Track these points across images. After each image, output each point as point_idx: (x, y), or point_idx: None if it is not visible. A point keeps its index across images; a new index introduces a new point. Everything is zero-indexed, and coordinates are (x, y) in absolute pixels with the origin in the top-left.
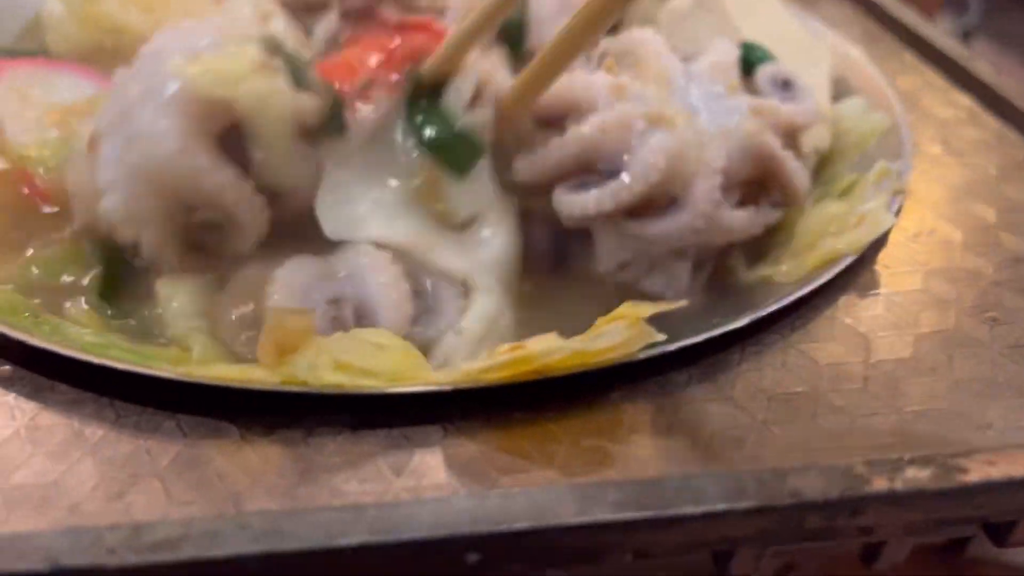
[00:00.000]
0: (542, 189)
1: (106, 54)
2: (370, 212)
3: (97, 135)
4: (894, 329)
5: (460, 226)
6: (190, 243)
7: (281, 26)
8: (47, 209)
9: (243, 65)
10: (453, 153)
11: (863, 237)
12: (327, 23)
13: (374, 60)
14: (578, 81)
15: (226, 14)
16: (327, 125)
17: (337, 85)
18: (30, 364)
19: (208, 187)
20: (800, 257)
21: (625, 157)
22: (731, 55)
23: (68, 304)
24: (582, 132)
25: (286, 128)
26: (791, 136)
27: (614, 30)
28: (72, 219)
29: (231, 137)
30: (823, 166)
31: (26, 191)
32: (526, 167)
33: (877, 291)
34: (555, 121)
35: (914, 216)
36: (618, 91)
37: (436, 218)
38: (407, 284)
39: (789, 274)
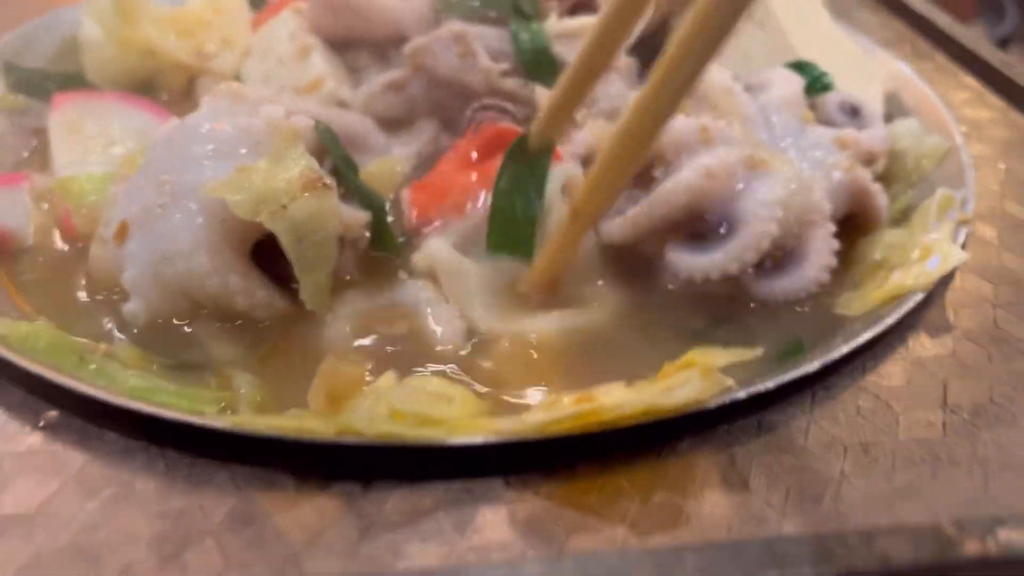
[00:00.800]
0: (640, 245)
1: (144, 77)
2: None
3: (127, 225)
4: (969, 373)
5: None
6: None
7: (320, 61)
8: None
9: (292, 183)
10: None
11: (932, 273)
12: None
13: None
14: None
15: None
16: (375, 239)
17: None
18: (78, 410)
19: (237, 306)
20: (862, 288)
21: (732, 206)
22: (797, 85)
23: (113, 340)
24: (690, 181)
25: (330, 251)
26: (868, 165)
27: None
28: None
29: (267, 240)
30: None
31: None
32: (625, 226)
33: (948, 331)
34: (639, 175)
35: (979, 249)
36: (704, 134)
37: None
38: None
39: (852, 306)
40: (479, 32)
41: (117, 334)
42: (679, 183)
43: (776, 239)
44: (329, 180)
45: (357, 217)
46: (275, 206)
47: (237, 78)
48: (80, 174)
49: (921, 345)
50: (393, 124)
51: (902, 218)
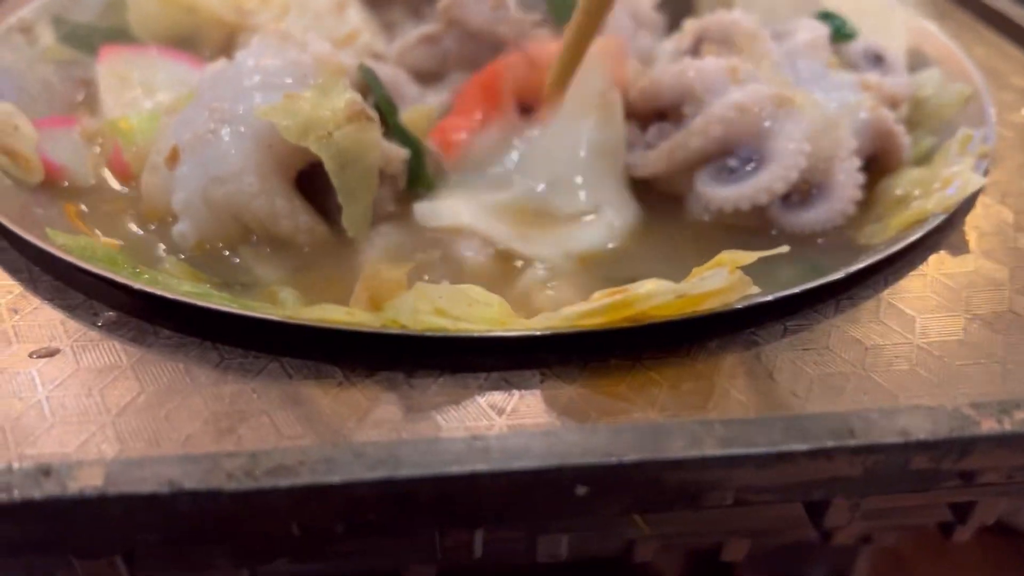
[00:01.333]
0: (670, 177)
1: (186, 33)
2: (464, 207)
3: (177, 150)
4: (990, 286)
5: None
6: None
7: (355, 15)
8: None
9: (337, 112)
10: None
11: (953, 197)
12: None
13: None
14: (689, 68)
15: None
16: (412, 178)
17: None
18: (133, 311)
19: (281, 229)
20: (884, 220)
21: (761, 141)
22: (822, 31)
23: (164, 258)
24: (723, 114)
25: (372, 181)
26: (891, 109)
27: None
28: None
29: (311, 171)
30: None
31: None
32: (659, 158)
33: (968, 250)
34: (669, 111)
35: (1000, 179)
36: (733, 74)
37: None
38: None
39: (875, 236)
40: None
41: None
42: (712, 115)
43: (804, 172)
44: (372, 113)
45: (397, 152)
46: (322, 132)
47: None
48: (129, 114)
49: (942, 262)
50: (427, 77)
51: (924, 160)
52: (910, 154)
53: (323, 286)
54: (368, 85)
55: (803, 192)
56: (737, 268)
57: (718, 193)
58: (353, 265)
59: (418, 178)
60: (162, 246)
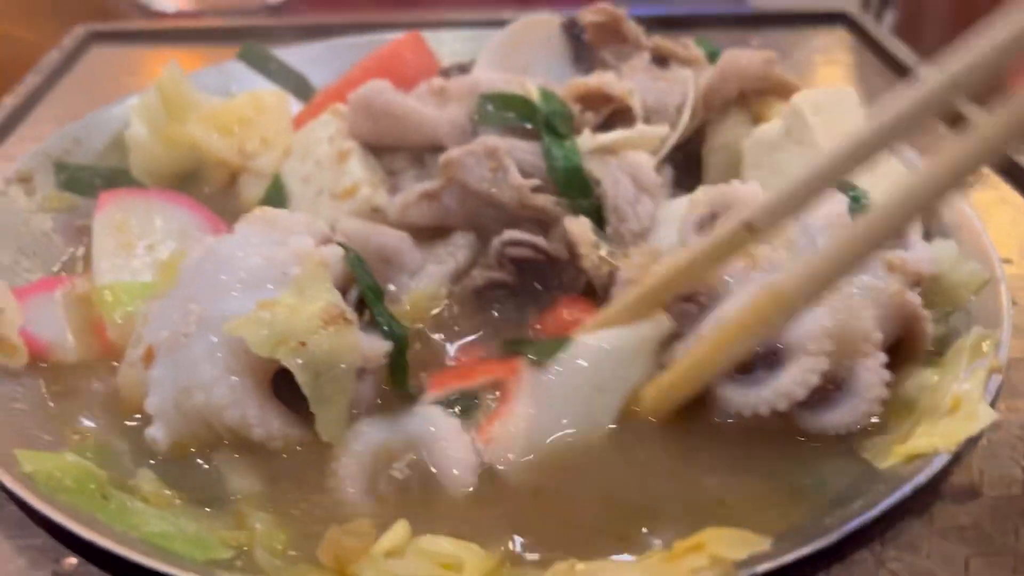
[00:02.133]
0: None
1: (188, 172)
2: None
3: (152, 351)
4: (993, 549)
5: None
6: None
7: (357, 167)
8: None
9: (312, 318)
10: None
11: (958, 432)
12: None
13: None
14: None
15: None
16: (392, 371)
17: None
18: (95, 558)
19: (253, 436)
20: (890, 434)
21: (781, 335)
22: (840, 205)
23: (137, 474)
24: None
25: (348, 384)
26: (915, 287)
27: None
28: None
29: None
30: None
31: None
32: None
33: (973, 497)
34: (689, 296)
35: (1010, 401)
36: (751, 260)
37: None
38: (470, 442)
39: (877, 454)
40: (512, 146)
41: (140, 463)
42: (728, 315)
43: (825, 372)
44: (351, 314)
45: (376, 348)
46: (294, 343)
47: (277, 177)
48: (116, 282)
49: (944, 514)
50: (429, 232)
51: (936, 350)
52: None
53: (299, 500)
54: (353, 273)
55: (825, 391)
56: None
57: (736, 397)
58: (331, 468)
59: (395, 376)
60: (134, 447)
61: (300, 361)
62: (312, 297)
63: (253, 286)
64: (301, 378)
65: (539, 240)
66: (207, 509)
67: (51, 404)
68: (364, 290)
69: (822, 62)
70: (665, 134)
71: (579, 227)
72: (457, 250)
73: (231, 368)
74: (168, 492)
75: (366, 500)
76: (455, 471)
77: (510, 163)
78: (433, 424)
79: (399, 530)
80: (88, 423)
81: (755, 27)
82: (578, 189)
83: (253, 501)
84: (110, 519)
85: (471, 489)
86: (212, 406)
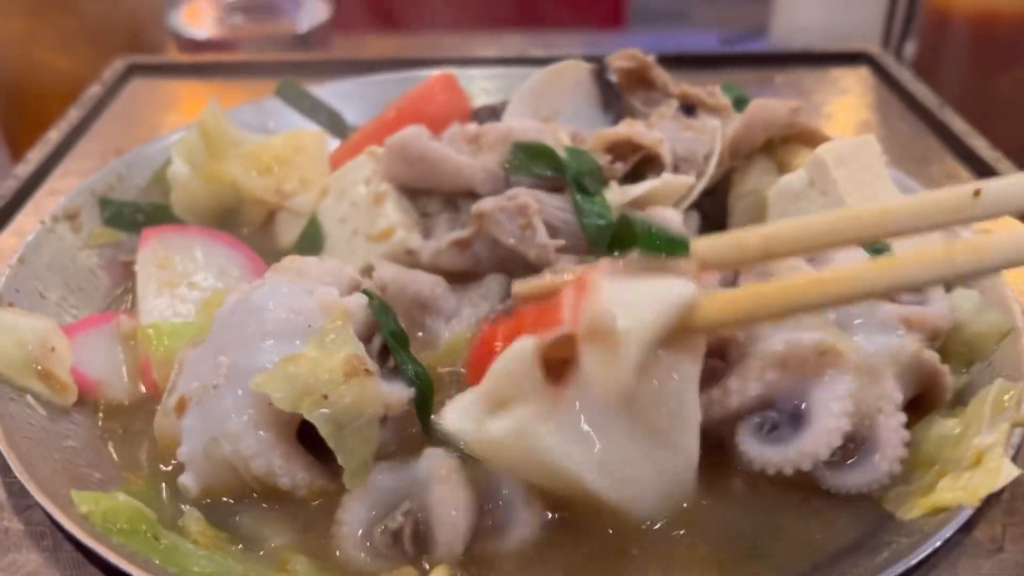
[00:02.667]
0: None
1: (227, 210)
2: None
3: (185, 400)
4: None
5: None
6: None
7: (392, 210)
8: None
9: (334, 371)
10: None
11: (981, 487)
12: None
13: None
14: None
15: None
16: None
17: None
18: None
19: (280, 485)
20: (912, 485)
21: (804, 395)
22: (859, 254)
23: (184, 513)
24: (762, 372)
25: (373, 434)
26: (933, 341)
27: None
28: None
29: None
30: None
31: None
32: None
33: (995, 554)
34: (713, 351)
35: None
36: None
37: None
38: (469, 495)
39: (900, 506)
40: (544, 201)
41: (185, 507)
42: (751, 373)
43: (847, 433)
44: (372, 365)
45: (399, 395)
46: (316, 396)
47: (314, 217)
48: (160, 321)
49: (968, 569)
50: (463, 276)
51: (957, 400)
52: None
53: (332, 547)
54: (377, 321)
55: (846, 450)
56: None
57: (760, 455)
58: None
59: (423, 417)
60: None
61: (323, 414)
62: (334, 349)
63: (279, 338)
64: (324, 431)
65: None
66: (250, 551)
67: (101, 442)
68: (387, 336)
69: (845, 102)
70: (691, 183)
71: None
72: (490, 292)
73: (258, 420)
74: (215, 533)
75: (362, 552)
76: (445, 534)
77: (539, 222)
78: (434, 477)
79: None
80: (136, 462)
81: (780, 65)
82: (611, 247)
83: (292, 546)
84: (164, 560)
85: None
86: (240, 457)
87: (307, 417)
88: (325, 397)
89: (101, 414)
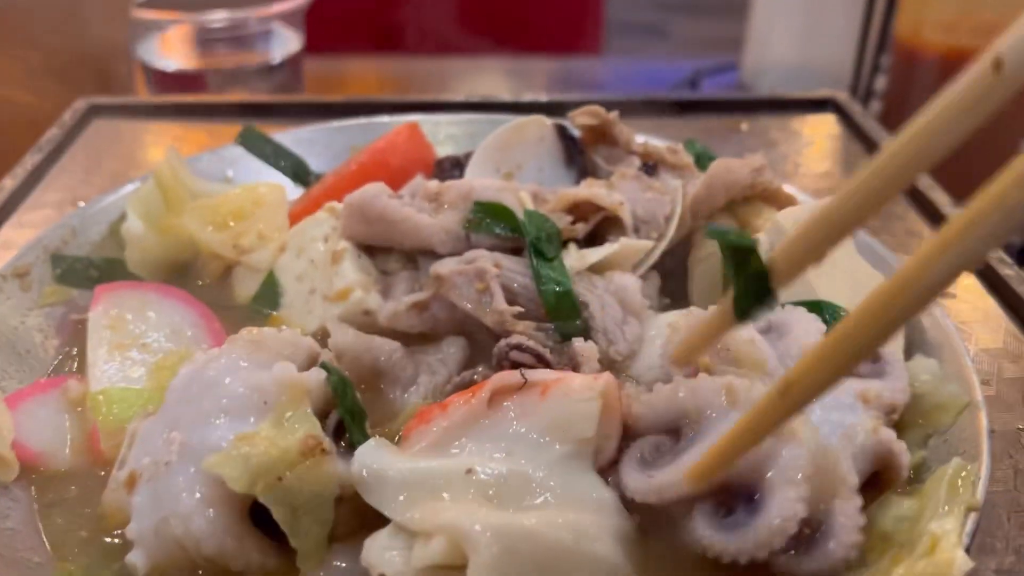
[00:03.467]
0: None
1: (183, 264)
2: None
3: (135, 477)
4: None
5: None
6: None
7: (350, 270)
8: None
9: (289, 451)
10: None
11: None
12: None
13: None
14: (681, 387)
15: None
16: None
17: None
18: None
19: (232, 567)
20: (867, 570)
21: (759, 475)
22: (816, 331)
23: None
24: None
25: (327, 514)
26: (889, 415)
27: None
28: None
29: None
30: None
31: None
32: (649, 492)
33: None
34: (668, 430)
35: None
36: (731, 396)
37: None
38: None
39: None
40: (503, 265)
41: None
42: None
43: (802, 520)
44: (328, 444)
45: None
46: (271, 478)
47: (271, 274)
48: (110, 388)
49: None
50: (421, 337)
51: (915, 477)
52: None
53: None
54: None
55: (800, 534)
56: None
57: (715, 542)
58: None
59: None
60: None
61: (277, 496)
62: (291, 428)
63: (235, 416)
64: (278, 514)
65: (544, 352)
66: None
67: (40, 520)
68: (344, 412)
69: (810, 152)
70: (650, 247)
71: (588, 350)
72: (448, 357)
73: (210, 499)
74: None
75: None
76: None
77: (496, 287)
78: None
79: None
80: (76, 538)
81: (747, 112)
82: (567, 313)
83: None
84: None
85: None
86: (191, 538)
87: (261, 500)
88: (280, 479)
89: (42, 487)
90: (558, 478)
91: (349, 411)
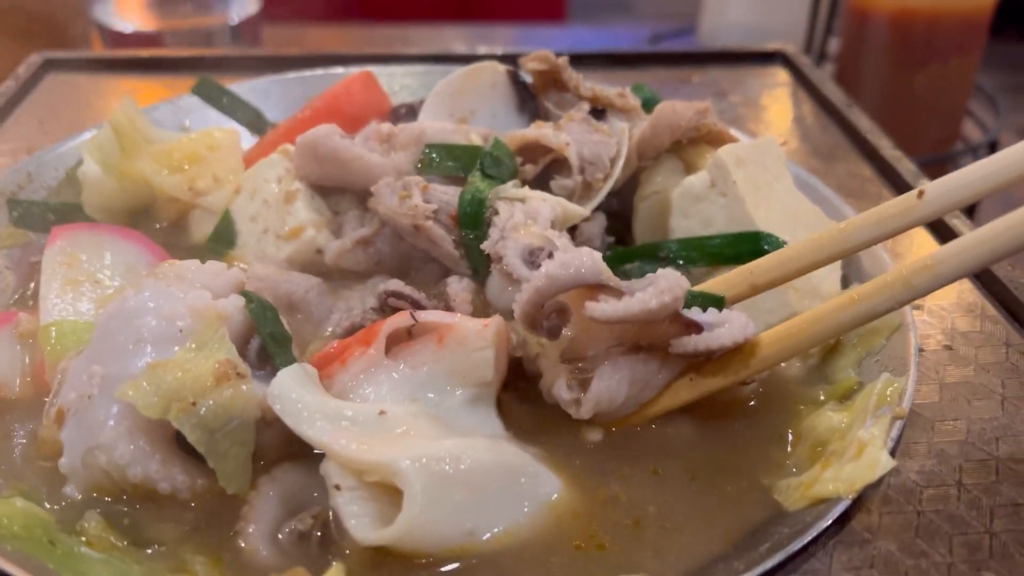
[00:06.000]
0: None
1: (140, 207)
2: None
3: (62, 412)
4: None
5: None
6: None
7: (302, 209)
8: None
9: (202, 378)
10: None
11: (860, 479)
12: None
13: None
14: None
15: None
16: None
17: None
18: None
19: (160, 490)
20: (799, 477)
21: None
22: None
23: (85, 515)
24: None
25: (248, 436)
26: None
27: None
28: None
29: None
30: (827, 357)
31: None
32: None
33: (873, 542)
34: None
35: (915, 445)
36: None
37: None
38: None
39: (787, 497)
40: (433, 185)
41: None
42: None
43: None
44: (243, 368)
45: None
46: (184, 403)
47: (226, 214)
48: (61, 320)
49: (844, 557)
50: (363, 276)
51: (847, 396)
52: None
53: (222, 547)
54: (255, 322)
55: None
56: None
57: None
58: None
59: None
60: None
61: (190, 420)
62: (207, 354)
63: (153, 345)
64: (192, 437)
65: (420, 297)
66: (150, 551)
67: None
68: (264, 338)
69: (758, 102)
70: (584, 215)
71: (461, 293)
72: (366, 296)
73: (132, 428)
74: (113, 536)
75: (269, 550)
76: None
77: (416, 192)
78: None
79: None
80: (29, 463)
81: (699, 64)
82: (472, 223)
83: (189, 546)
84: (58, 566)
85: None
86: (115, 466)
87: (175, 424)
88: (193, 404)
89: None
90: (465, 418)
91: (271, 335)
